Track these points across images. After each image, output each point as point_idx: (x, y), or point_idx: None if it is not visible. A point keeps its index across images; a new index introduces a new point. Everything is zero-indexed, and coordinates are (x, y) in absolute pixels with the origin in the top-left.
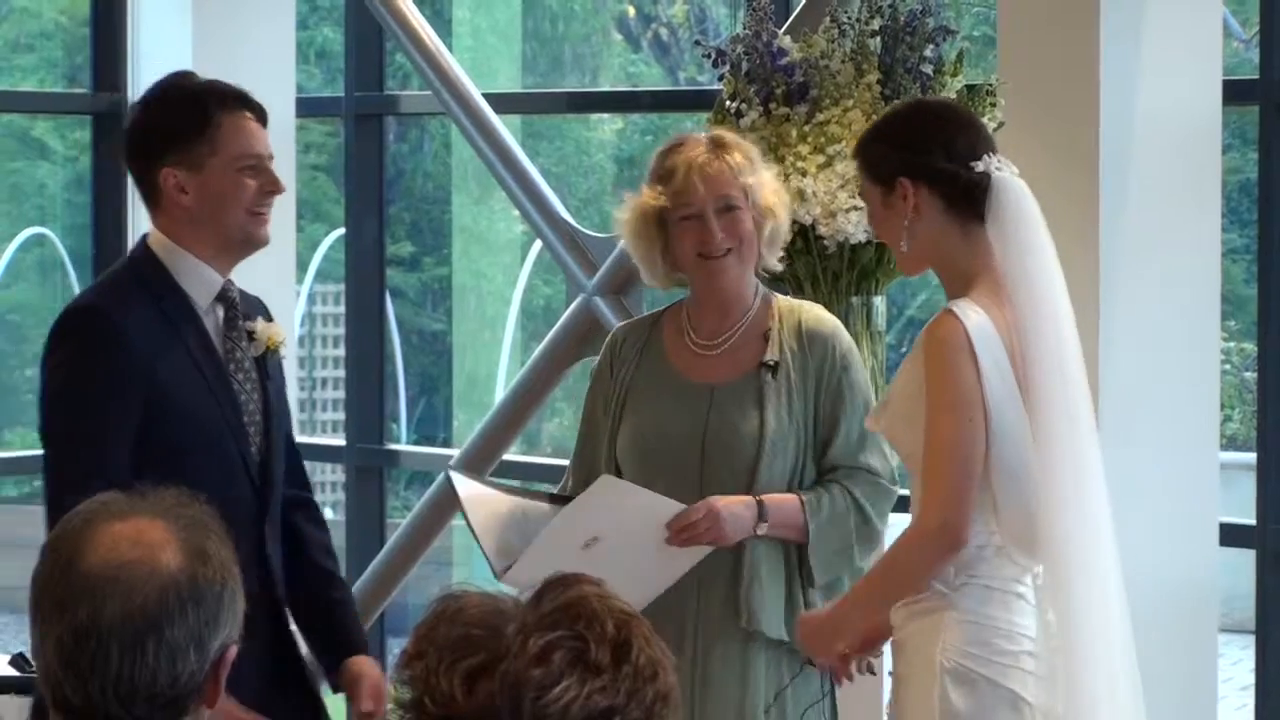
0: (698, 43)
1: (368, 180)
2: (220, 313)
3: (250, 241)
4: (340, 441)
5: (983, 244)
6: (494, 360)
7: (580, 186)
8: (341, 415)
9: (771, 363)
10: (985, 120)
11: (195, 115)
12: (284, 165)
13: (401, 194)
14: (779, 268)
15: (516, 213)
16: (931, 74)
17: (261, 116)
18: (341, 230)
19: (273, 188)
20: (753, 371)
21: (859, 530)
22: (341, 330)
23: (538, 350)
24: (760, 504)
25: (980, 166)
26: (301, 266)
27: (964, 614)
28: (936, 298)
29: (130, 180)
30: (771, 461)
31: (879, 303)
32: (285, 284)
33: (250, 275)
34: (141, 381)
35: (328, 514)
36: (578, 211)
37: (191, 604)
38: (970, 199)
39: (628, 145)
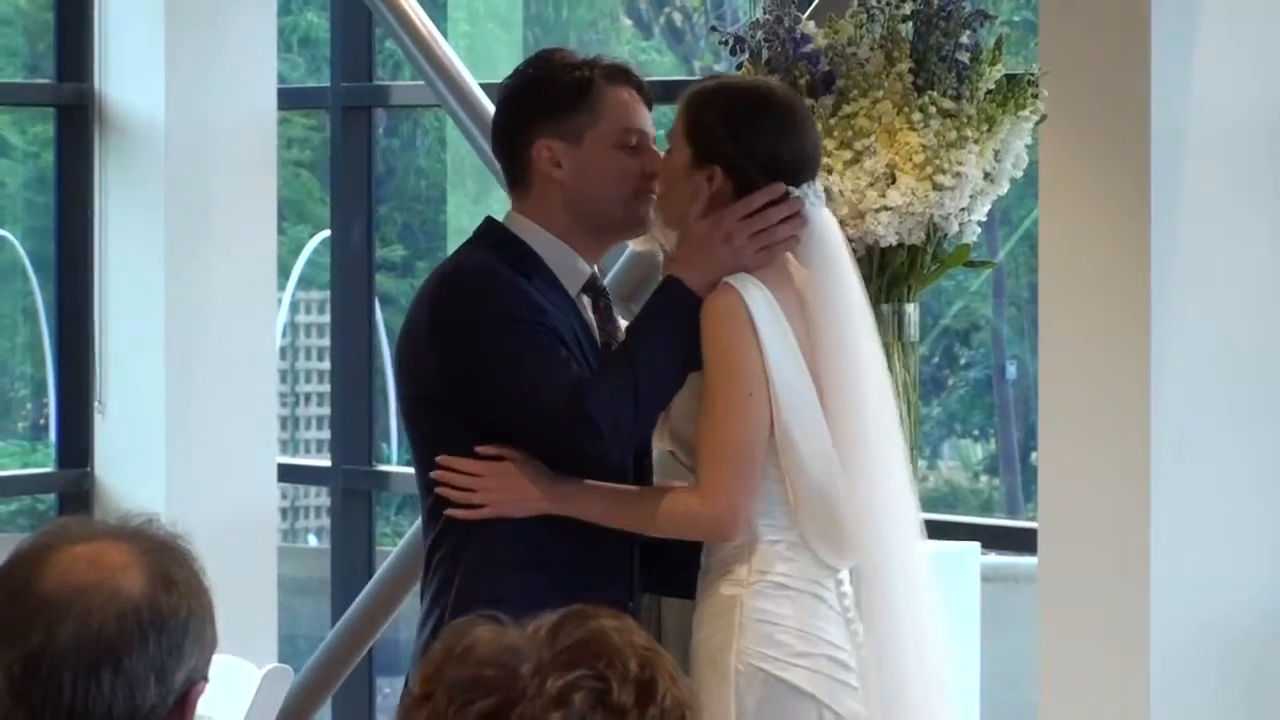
0: (714, 28)
1: (355, 178)
2: (588, 302)
3: (632, 224)
4: (325, 462)
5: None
6: None
7: None
8: (326, 434)
9: None
10: (1027, 112)
11: (576, 82)
12: (264, 161)
13: (392, 193)
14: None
15: None
16: (968, 62)
17: (646, 95)
18: (327, 232)
19: (654, 168)
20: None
21: None
22: (326, 341)
23: None
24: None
25: (795, 194)
26: (283, 272)
27: (757, 614)
28: (975, 305)
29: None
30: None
31: (911, 311)
32: (265, 291)
33: (227, 281)
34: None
35: (310, 541)
36: None
37: (153, 631)
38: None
39: None
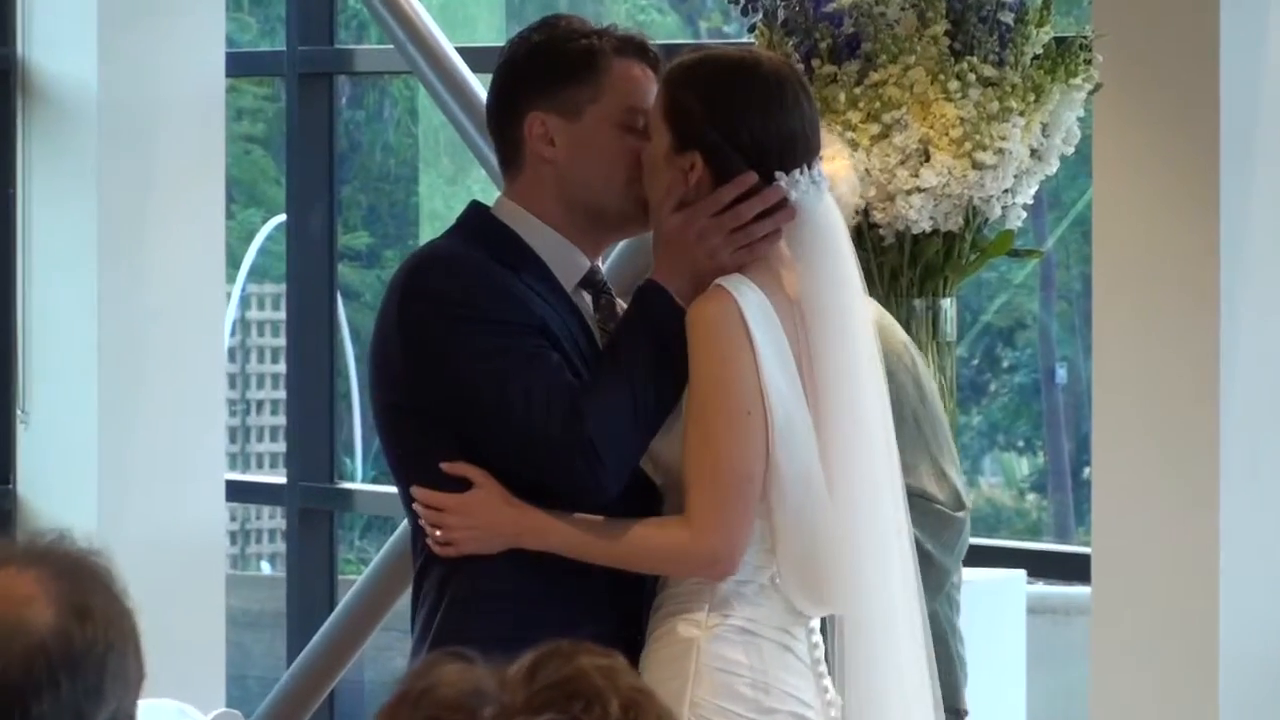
0: None
1: (314, 155)
2: (588, 299)
3: (632, 217)
4: (280, 479)
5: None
6: None
7: None
8: (282, 446)
9: None
10: (1079, 80)
11: (581, 51)
12: (211, 136)
13: (356, 172)
14: None
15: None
16: (1012, 23)
17: (658, 71)
18: (282, 217)
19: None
20: None
21: (920, 571)
22: (282, 341)
23: None
24: None
25: (780, 183)
26: (232, 262)
27: (716, 661)
28: (1020, 300)
29: (3, 162)
30: None
31: (948, 306)
32: (211, 284)
33: (169, 273)
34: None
35: (263, 568)
36: None
37: (66, 672)
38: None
39: None
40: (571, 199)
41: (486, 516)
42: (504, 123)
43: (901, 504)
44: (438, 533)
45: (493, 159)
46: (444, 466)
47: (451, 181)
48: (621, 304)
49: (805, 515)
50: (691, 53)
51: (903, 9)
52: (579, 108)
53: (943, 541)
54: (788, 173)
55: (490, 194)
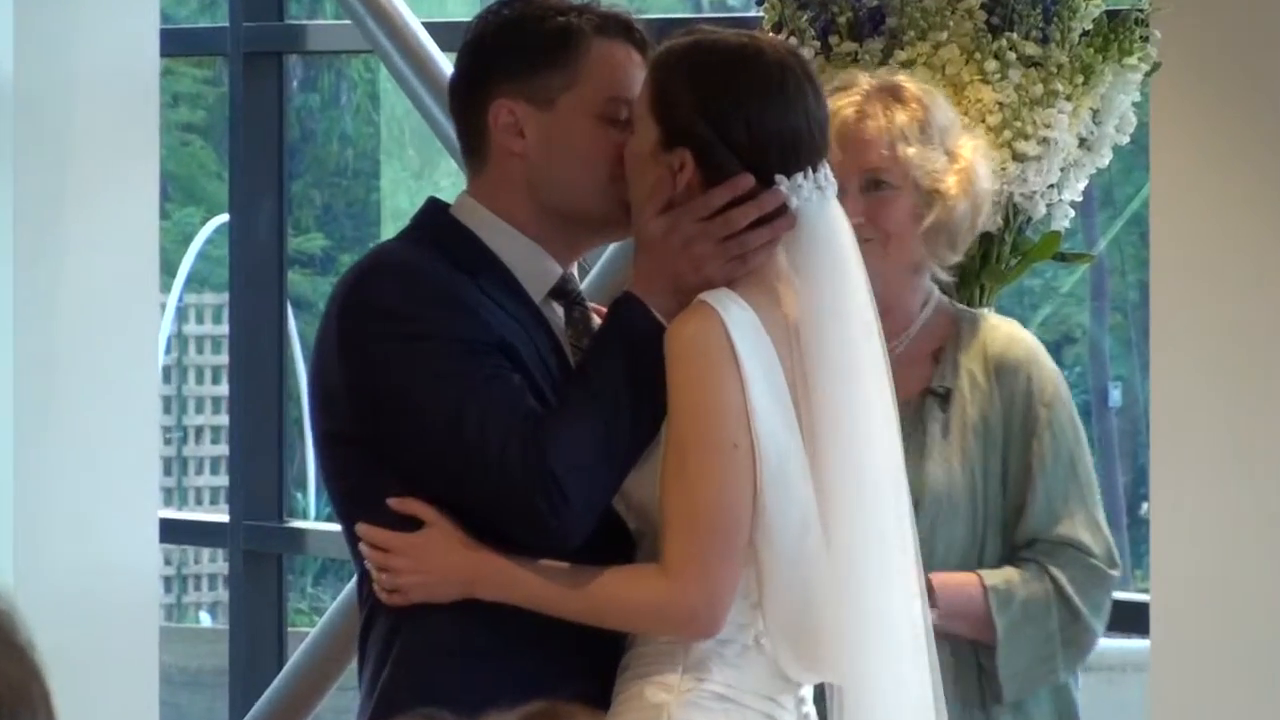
0: None
1: (262, 146)
2: (559, 311)
3: (611, 221)
4: (222, 517)
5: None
6: None
7: None
8: (224, 479)
9: (941, 390)
10: (1134, 60)
11: (556, 30)
12: (143, 125)
13: (309, 165)
14: (946, 276)
15: None
16: None
17: (648, 56)
18: (225, 217)
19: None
20: (913, 400)
21: (1065, 630)
22: (224, 358)
23: None
24: (927, 583)
25: (781, 188)
26: (168, 269)
27: None
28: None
29: None
30: (937, 527)
31: None
32: (144, 293)
33: (95, 280)
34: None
35: (202, 620)
36: None
37: None
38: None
39: None
40: (543, 199)
41: (438, 560)
42: (467, 109)
43: (914, 562)
44: (384, 577)
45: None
46: (392, 503)
47: (417, 176)
48: (599, 317)
49: (798, 567)
50: (684, 36)
51: None
52: (552, 95)
53: (1093, 601)
54: (789, 176)
55: (461, 186)
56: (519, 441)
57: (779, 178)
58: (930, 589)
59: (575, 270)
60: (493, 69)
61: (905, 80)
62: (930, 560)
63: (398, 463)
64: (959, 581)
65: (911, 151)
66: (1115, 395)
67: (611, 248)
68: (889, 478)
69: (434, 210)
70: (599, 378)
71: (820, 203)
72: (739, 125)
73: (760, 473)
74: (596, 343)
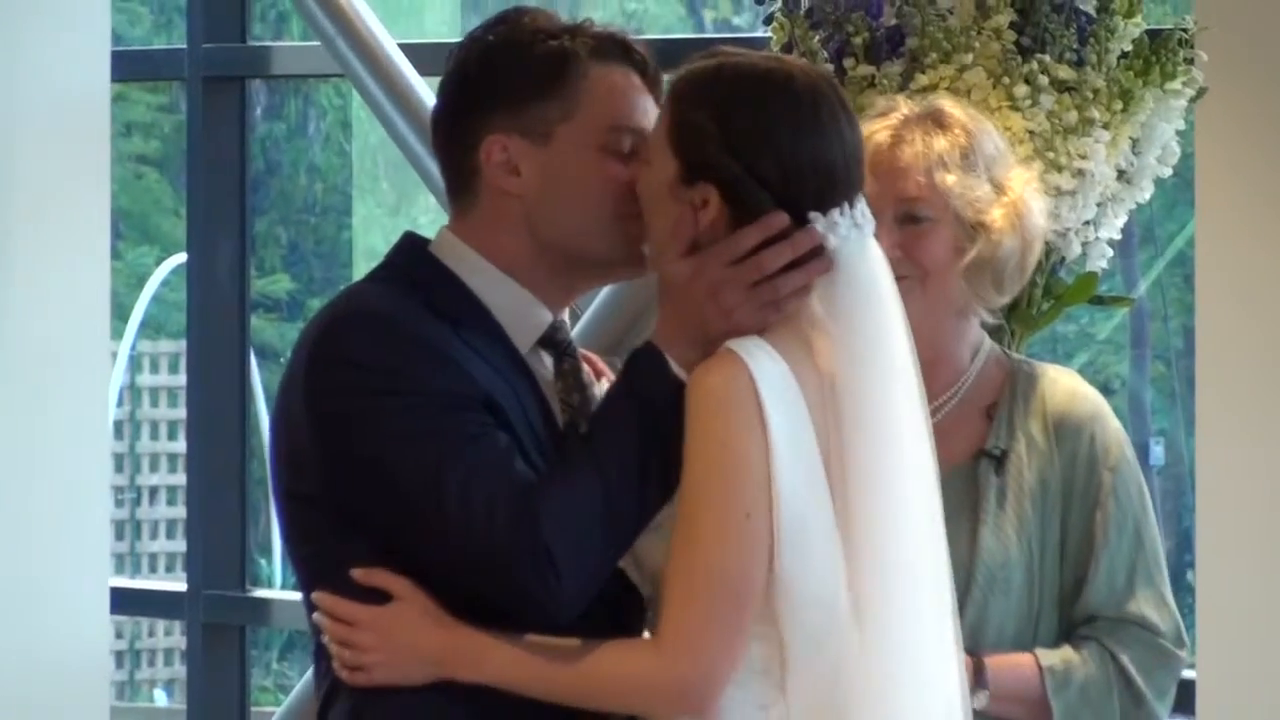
0: None
1: (222, 179)
2: (548, 362)
3: (618, 261)
4: (180, 586)
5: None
6: None
7: None
8: (181, 545)
9: (996, 452)
10: (1177, 84)
11: (550, 56)
12: (92, 156)
13: (275, 199)
14: (992, 319)
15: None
16: (1094, 12)
17: (652, 78)
18: (182, 257)
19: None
20: (965, 463)
21: (1126, 715)
22: (181, 412)
23: None
24: (978, 664)
25: (817, 226)
26: (120, 314)
27: None
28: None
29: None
30: (990, 601)
31: None
32: (94, 340)
33: (39, 326)
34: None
35: (157, 699)
36: None
37: None
38: None
39: None
40: (543, 239)
41: (407, 637)
42: (453, 144)
43: (955, 640)
44: (345, 654)
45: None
46: (356, 574)
47: (393, 212)
48: (593, 371)
49: (824, 644)
50: (705, 59)
51: None
52: (550, 128)
53: (1158, 684)
54: (824, 213)
55: (441, 223)
56: (507, 508)
57: (814, 215)
58: (981, 669)
59: (566, 316)
60: (481, 101)
61: (950, 105)
62: (982, 638)
63: (369, 529)
64: (1012, 662)
65: (951, 180)
66: (1157, 452)
67: (604, 291)
68: (928, 548)
69: (411, 247)
70: (605, 438)
71: (859, 242)
72: (768, 157)
73: (779, 540)
74: (608, 400)
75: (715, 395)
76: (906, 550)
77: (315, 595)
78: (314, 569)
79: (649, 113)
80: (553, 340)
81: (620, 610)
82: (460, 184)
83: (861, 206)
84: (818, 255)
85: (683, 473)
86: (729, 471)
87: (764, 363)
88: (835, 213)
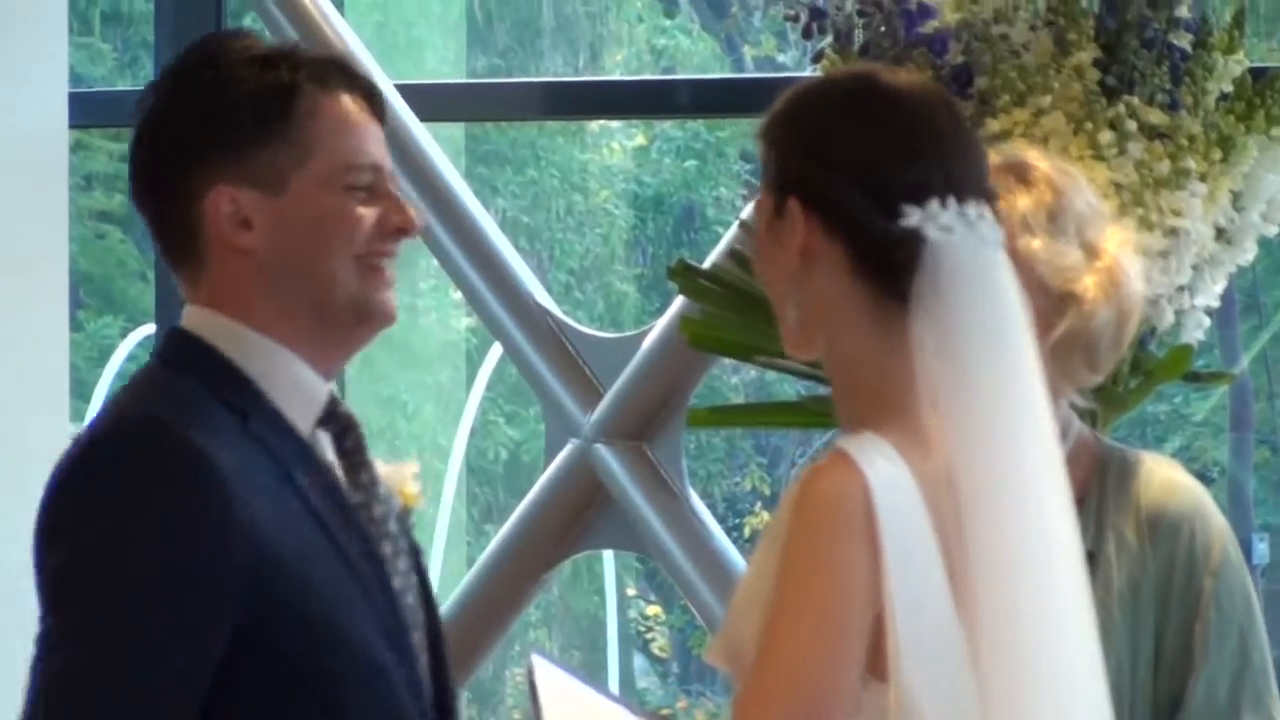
0: None
1: None
2: (326, 440)
3: (367, 315)
4: None
5: (906, 341)
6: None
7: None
8: None
9: (1086, 552)
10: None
11: (265, 93)
12: (48, 211)
13: None
14: (1084, 401)
15: (457, 294)
16: (1189, 49)
17: (377, 103)
18: (150, 328)
19: (403, 222)
20: None
21: None
22: None
23: (497, 538)
24: None
25: (911, 219)
26: (80, 392)
27: None
28: (1202, 443)
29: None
30: None
31: None
32: (51, 420)
33: None
34: (247, 565)
35: None
36: (566, 293)
37: None
38: (886, 267)
39: (653, 177)
40: (285, 299)
41: None
42: (164, 200)
43: None
44: None
45: (451, 245)
46: None
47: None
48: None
49: None
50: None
51: (1033, 28)
52: (283, 177)
53: None
54: (921, 205)
55: (444, 295)
56: None
57: (905, 207)
58: None
59: (335, 387)
60: (196, 148)
61: (1037, 157)
62: None
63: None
64: None
65: (1036, 244)
66: (1261, 549)
67: (635, 360)
68: (1084, 671)
69: (176, 339)
70: None
71: (974, 247)
72: (849, 150)
73: (895, 660)
74: None
75: (820, 505)
76: (1044, 667)
77: None
78: None
79: (381, 141)
80: (333, 415)
81: None
82: (180, 246)
83: (978, 207)
84: (915, 256)
85: (777, 587)
86: (823, 590)
87: (879, 467)
88: (934, 203)
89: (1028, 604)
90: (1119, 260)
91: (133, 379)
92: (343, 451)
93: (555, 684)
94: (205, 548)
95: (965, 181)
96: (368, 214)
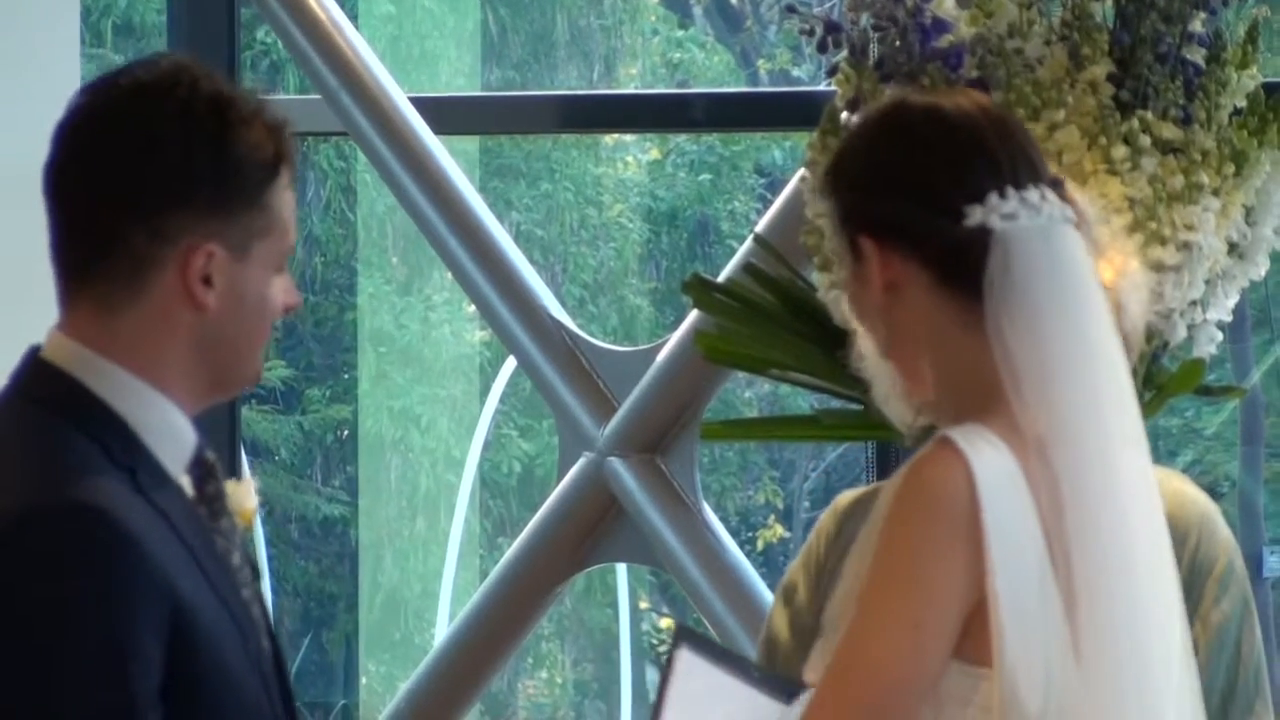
0: (791, 9)
1: None
2: (187, 484)
3: (249, 380)
4: None
5: (985, 331)
6: (432, 568)
7: (585, 263)
8: None
9: None
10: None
11: (265, 164)
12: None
13: None
14: None
15: (471, 307)
16: (1203, 63)
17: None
18: None
19: (295, 303)
20: None
21: None
22: None
23: (510, 552)
24: None
25: (974, 217)
26: None
27: None
28: (1214, 457)
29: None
30: None
31: None
32: None
33: None
34: (164, 625)
35: None
36: (580, 307)
37: None
38: (964, 270)
39: (667, 191)
40: (208, 354)
41: None
42: (128, 220)
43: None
44: None
45: (465, 259)
46: None
47: (404, 290)
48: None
49: None
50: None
51: (1047, 43)
52: (248, 244)
53: None
54: (981, 201)
55: (458, 309)
56: None
57: (967, 208)
58: None
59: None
60: (185, 191)
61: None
62: None
63: None
64: None
65: None
66: (1272, 563)
67: (649, 375)
68: (1177, 667)
69: (46, 371)
70: None
71: (1041, 231)
72: (895, 168)
73: (999, 646)
74: None
75: (922, 497)
76: (1142, 661)
77: None
78: None
79: None
80: (200, 460)
81: None
82: (114, 270)
83: (1039, 190)
84: (988, 250)
85: (870, 570)
86: (909, 581)
87: (987, 457)
88: (993, 196)
89: (1128, 588)
90: (1122, 279)
91: (10, 420)
92: (204, 496)
93: (693, 666)
94: (130, 624)
95: (1020, 169)
96: (281, 295)
